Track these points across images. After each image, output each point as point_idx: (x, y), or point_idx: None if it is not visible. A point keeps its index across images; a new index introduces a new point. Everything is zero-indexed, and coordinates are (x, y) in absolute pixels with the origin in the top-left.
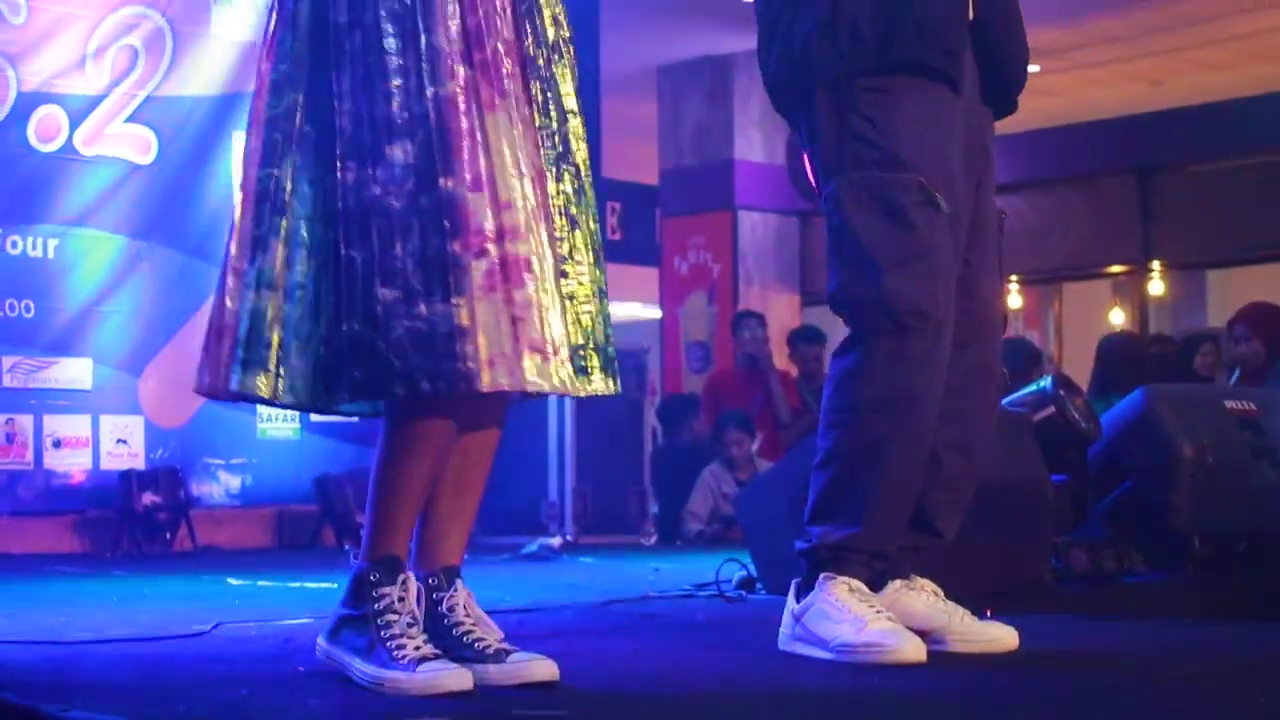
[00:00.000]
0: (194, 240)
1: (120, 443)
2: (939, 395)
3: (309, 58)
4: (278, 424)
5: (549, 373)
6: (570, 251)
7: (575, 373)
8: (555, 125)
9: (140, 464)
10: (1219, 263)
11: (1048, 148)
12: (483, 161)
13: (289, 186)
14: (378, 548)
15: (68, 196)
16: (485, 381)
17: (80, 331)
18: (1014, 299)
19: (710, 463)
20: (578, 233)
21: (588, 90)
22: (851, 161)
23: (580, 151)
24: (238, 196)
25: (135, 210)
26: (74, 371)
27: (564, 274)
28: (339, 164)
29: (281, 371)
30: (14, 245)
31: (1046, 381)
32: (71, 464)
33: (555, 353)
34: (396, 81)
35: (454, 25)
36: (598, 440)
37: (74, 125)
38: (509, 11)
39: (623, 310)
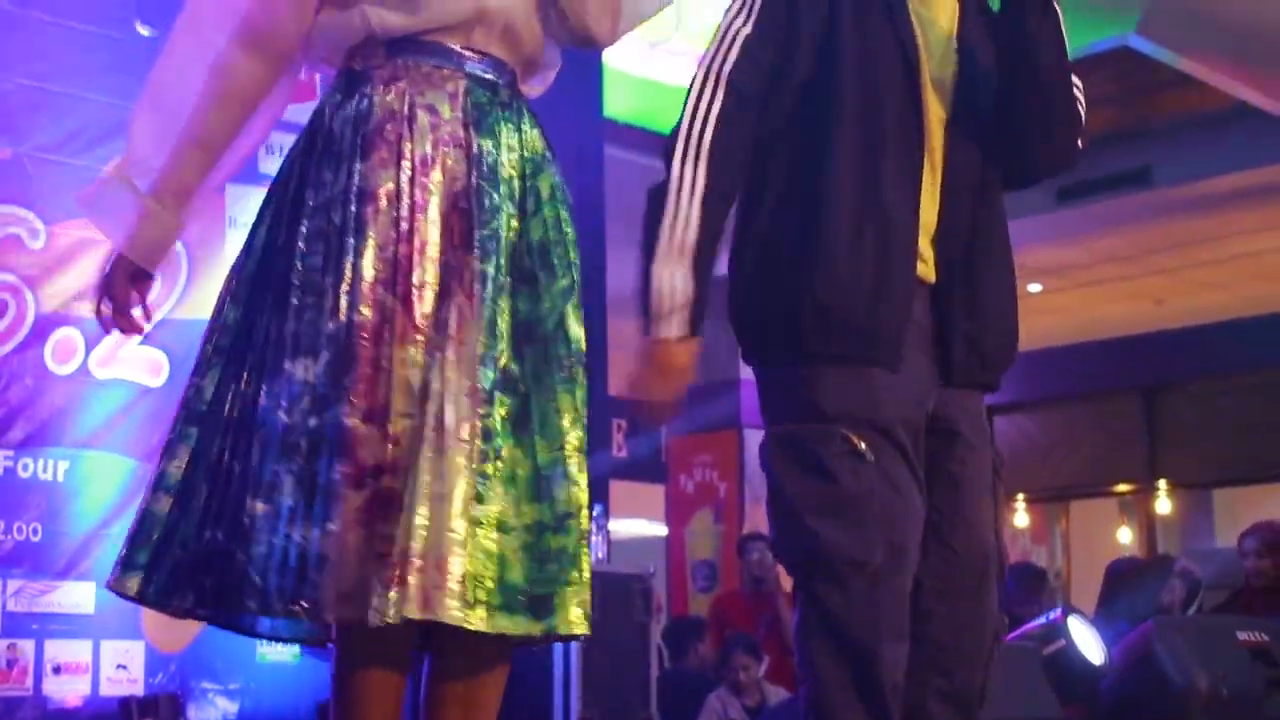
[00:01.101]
0: None
1: (120, 668)
2: (896, 635)
3: (253, 276)
4: (277, 648)
5: (415, 605)
6: (494, 474)
7: (463, 604)
8: (504, 346)
9: (139, 690)
10: (1226, 482)
11: (1052, 366)
12: (381, 393)
13: (207, 396)
14: None
15: (80, 419)
16: (334, 614)
17: (85, 555)
18: (1020, 517)
19: (717, 687)
20: (517, 453)
21: (594, 309)
22: (776, 413)
23: (568, 357)
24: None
25: (145, 433)
26: (77, 596)
27: (479, 498)
28: (245, 374)
29: (152, 574)
30: (25, 468)
31: (1055, 613)
32: (70, 690)
33: (438, 584)
34: (311, 299)
35: (384, 251)
36: (604, 664)
37: (90, 348)
38: (463, 234)
39: (628, 528)
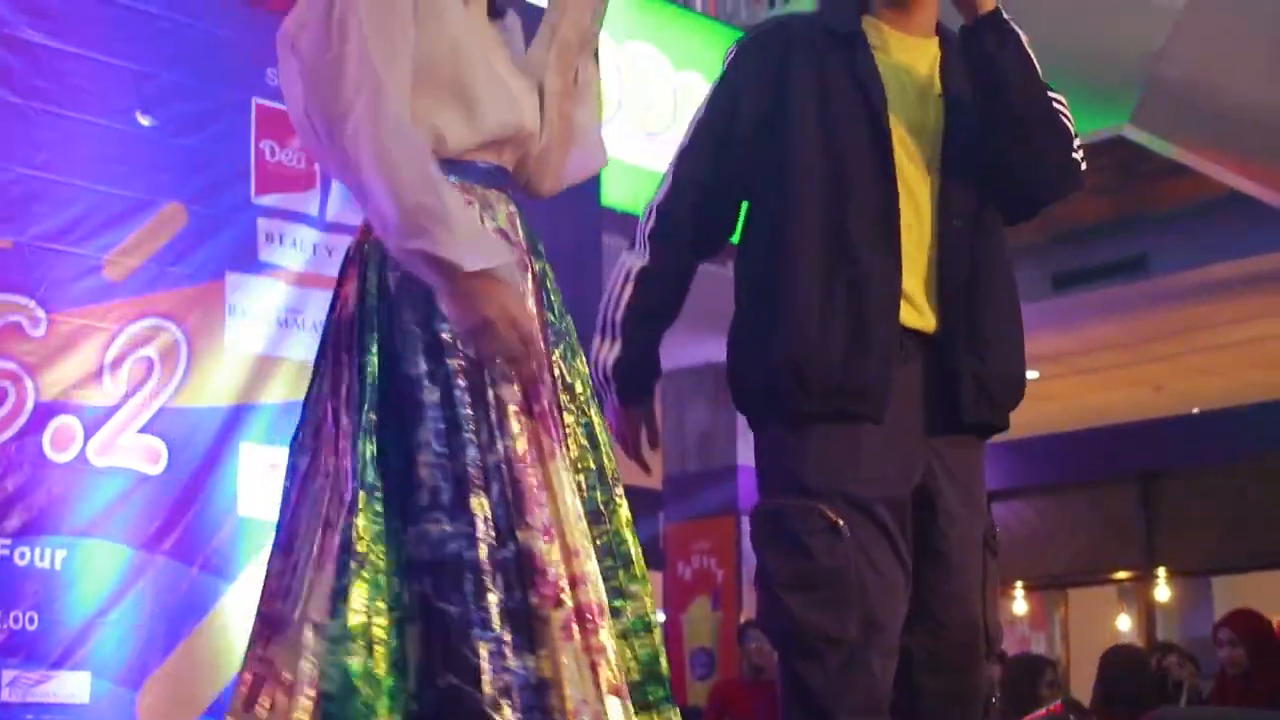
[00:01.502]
0: (199, 552)
1: None
2: (871, 711)
3: (379, 408)
4: None
5: (629, 714)
6: (621, 587)
7: (637, 709)
8: (592, 464)
9: None
10: (1225, 569)
11: (1050, 453)
12: (549, 510)
13: (366, 537)
14: None
15: (78, 507)
16: None
17: (81, 644)
18: (1019, 604)
19: None
20: (628, 569)
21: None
22: (764, 484)
23: (615, 473)
24: (315, 544)
25: (142, 521)
26: (72, 686)
27: (615, 612)
28: (421, 516)
29: None
30: (22, 556)
31: (1054, 704)
32: None
33: (626, 695)
34: (469, 434)
35: (515, 379)
36: None
37: (88, 435)
38: (554, 362)
39: None
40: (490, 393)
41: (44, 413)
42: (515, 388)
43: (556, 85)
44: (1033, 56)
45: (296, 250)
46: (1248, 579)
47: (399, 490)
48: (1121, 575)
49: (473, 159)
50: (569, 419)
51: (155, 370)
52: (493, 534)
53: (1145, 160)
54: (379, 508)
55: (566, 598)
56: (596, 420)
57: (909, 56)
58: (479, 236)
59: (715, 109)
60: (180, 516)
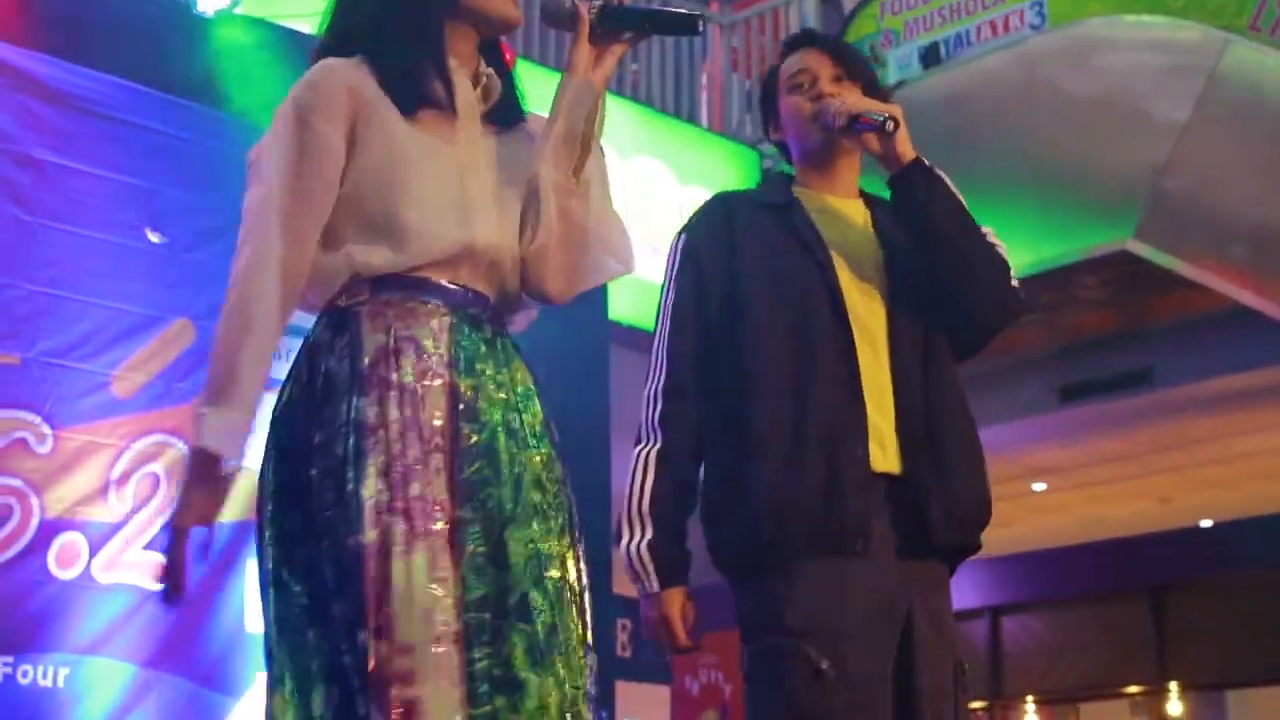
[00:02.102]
0: (204, 669)
1: None
2: None
3: (282, 521)
4: None
5: None
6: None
7: None
8: (502, 575)
9: None
10: (1239, 683)
11: (1058, 566)
12: (391, 608)
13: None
14: None
15: (81, 624)
16: None
17: None
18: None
19: None
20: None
21: (599, 510)
22: (748, 631)
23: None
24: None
25: (147, 638)
26: None
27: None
28: (310, 631)
29: None
30: (25, 675)
31: None
32: None
33: None
34: (327, 540)
35: (382, 476)
36: None
37: (93, 552)
38: (449, 474)
39: None
40: (350, 488)
41: (49, 530)
42: (382, 483)
43: (552, 178)
44: (959, 196)
45: None
46: (1262, 693)
47: (299, 611)
48: (1133, 689)
49: (408, 275)
50: (469, 536)
51: (161, 486)
52: (342, 634)
53: (1149, 274)
54: (299, 635)
55: (395, 692)
56: (516, 546)
57: (842, 214)
58: (235, 429)
59: (682, 292)
60: (186, 633)
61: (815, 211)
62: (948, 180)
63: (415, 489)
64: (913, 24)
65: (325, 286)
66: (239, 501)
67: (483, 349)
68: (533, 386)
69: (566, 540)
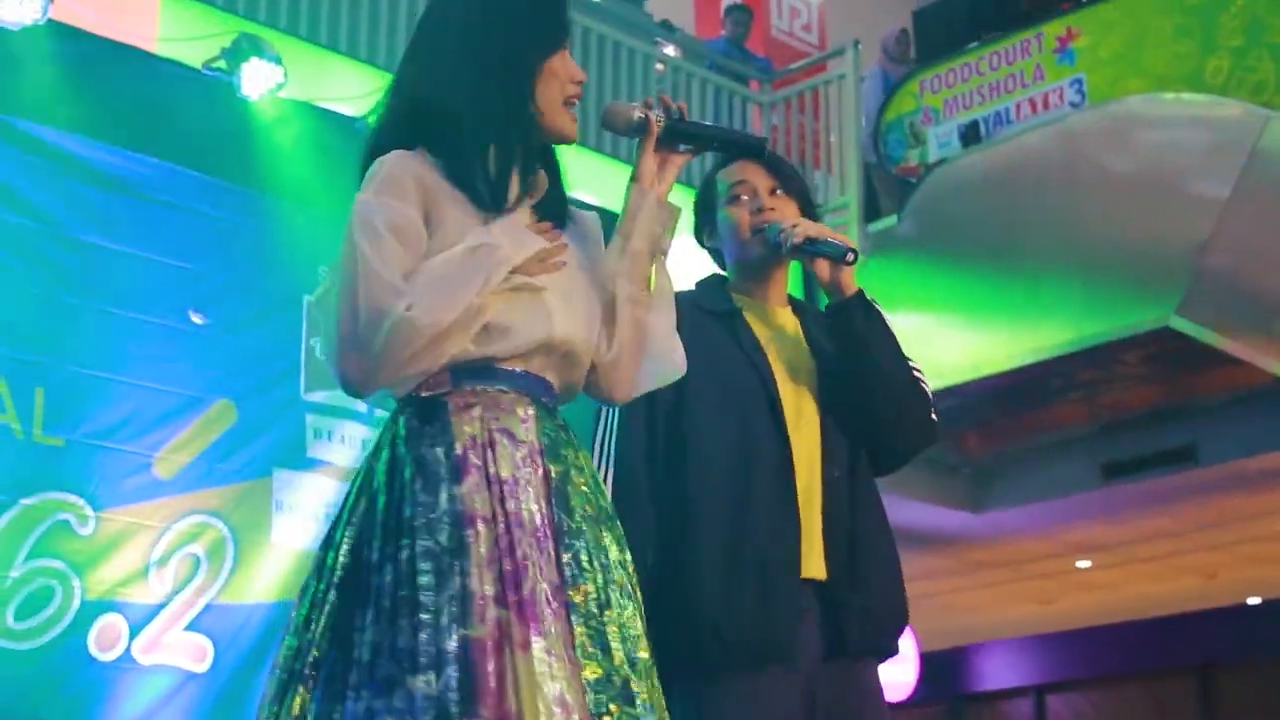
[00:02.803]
0: None
1: None
2: None
3: (336, 599)
4: None
5: None
6: None
7: None
8: (601, 671)
9: None
10: None
11: (1104, 644)
12: (512, 701)
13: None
14: None
15: (121, 707)
16: None
17: None
18: None
19: None
20: None
21: None
22: None
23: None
24: None
25: None
26: None
27: None
28: (351, 692)
29: None
30: None
31: None
32: None
33: None
34: (425, 617)
35: (491, 569)
36: None
37: (134, 633)
38: (553, 560)
39: None
40: (458, 580)
41: (89, 611)
42: (490, 576)
43: (628, 292)
44: (893, 330)
45: (344, 446)
46: None
47: (338, 670)
48: None
49: (487, 364)
50: (575, 621)
51: (202, 567)
52: (431, 715)
53: (1192, 350)
54: (306, 694)
55: None
56: (613, 629)
57: (777, 324)
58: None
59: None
60: (227, 714)
61: (755, 321)
62: (882, 313)
63: (527, 585)
64: (952, 102)
65: (416, 370)
66: (280, 582)
67: (561, 436)
68: (596, 471)
69: (640, 619)
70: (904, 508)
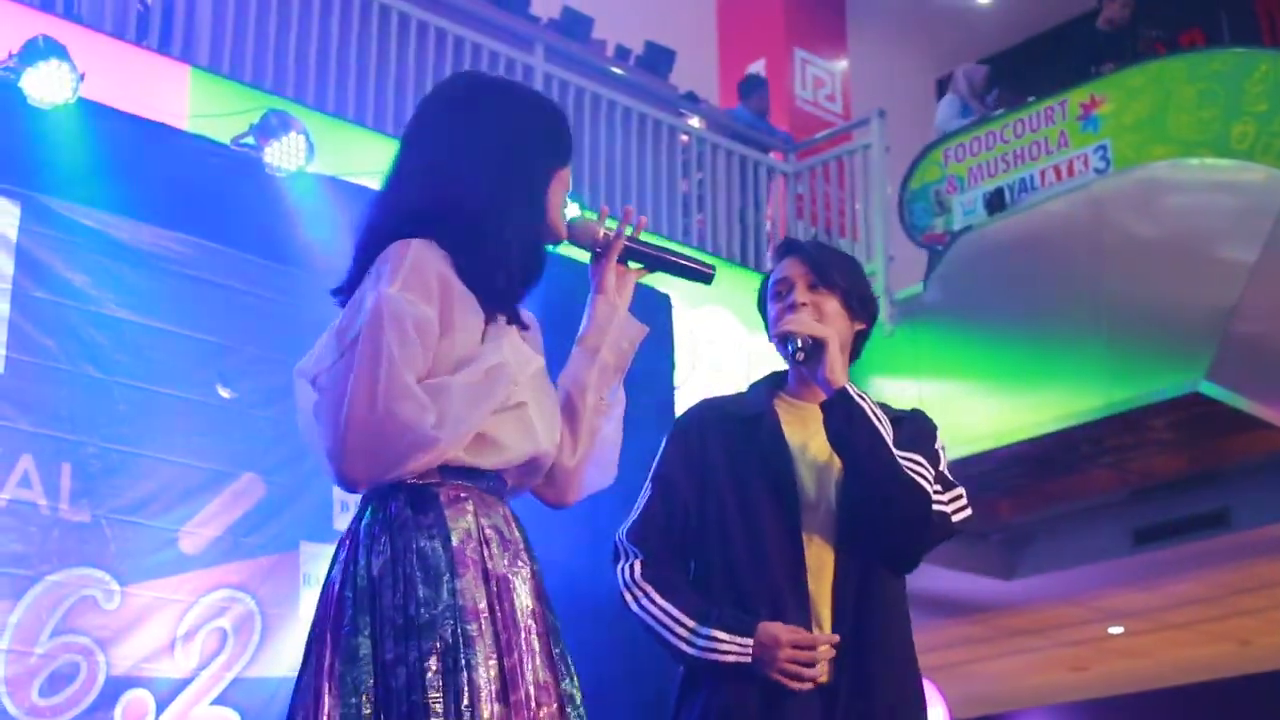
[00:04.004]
0: None
1: None
2: None
3: (377, 691)
4: None
5: None
6: None
7: None
8: None
9: None
10: None
11: (1138, 711)
12: None
13: None
14: None
15: None
16: None
17: None
18: None
19: None
20: None
21: None
22: None
23: None
24: None
25: None
26: None
27: None
28: None
29: None
30: None
31: None
32: None
33: None
34: (438, 708)
35: (492, 665)
36: None
37: (161, 709)
38: (545, 654)
39: None
40: (464, 676)
41: (115, 687)
42: (492, 674)
43: (594, 404)
44: (880, 426)
45: None
46: None
47: None
48: None
49: (475, 466)
50: (571, 713)
51: (229, 641)
52: None
53: (1222, 415)
54: None
55: None
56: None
57: (813, 422)
58: None
59: (658, 498)
60: None
61: (792, 421)
62: (869, 410)
63: (528, 679)
64: (977, 170)
65: (406, 463)
66: (295, 660)
67: (526, 537)
68: None
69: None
70: (935, 575)
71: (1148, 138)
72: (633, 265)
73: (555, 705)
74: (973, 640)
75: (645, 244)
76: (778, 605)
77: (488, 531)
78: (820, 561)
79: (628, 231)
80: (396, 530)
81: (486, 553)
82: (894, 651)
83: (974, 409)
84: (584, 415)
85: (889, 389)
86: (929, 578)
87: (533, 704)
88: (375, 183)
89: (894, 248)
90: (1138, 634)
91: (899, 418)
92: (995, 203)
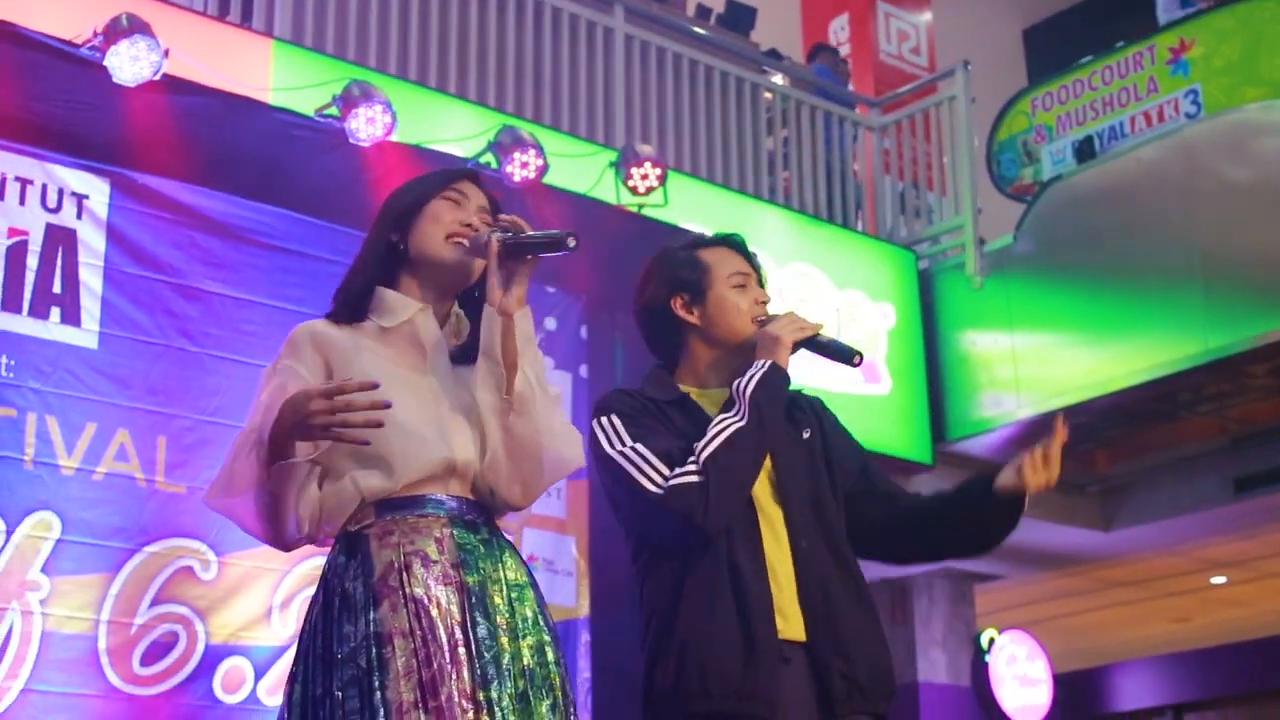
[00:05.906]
0: None
1: None
2: None
3: None
4: None
5: None
6: None
7: None
8: None
9: None
10: None
11: (1242, 661)
12: None
13: None
14: None
15: None
16: None
17: None
18: None
19: None
20: None
21: None
22: None
23: None
24: None
25: None
26: None
27: None
28: None
29: None
30: None
31: None
32: None
33: None
34: None
35: (409, 679)
36: None
37: (258, 676)
38: (466, 660)
39: None
40: (378, 696)
41: (214, 655)
42: (409, 685)
43: (489, 402)
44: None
45: None
46: None
47: None
48: None
49: (405, 494)
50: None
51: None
52: None
53: None
54: None
55: None
56: None
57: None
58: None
59: (635, 437)
60: None
61: (706, 406)
62: (782, 383)
63: (444, 692)
64: (1065, 119)
65: (338, 514)
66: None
67: (481, 549)
68: (526, 579)
69: (560, 714)
70: (1033, 528)
71: (1238, 80)
72: (527, 259)
73: (481, 712)
74: (1072, 593)
75: (518, 236)
76: (741, 568)
77: (410, 558)
78: (774, 529)
79: (500, 238)
80: (330, 577)
81: (406, 578)
82: (865, 619)
83: (1068, 360)
84: (482, 416)
85: (981, 342)
86: (1026, 531)
87: (455, 709)
88: (459, 149)
89: (982, 199)
90: (1240, 583)
91: None
92: (1085, 151)
